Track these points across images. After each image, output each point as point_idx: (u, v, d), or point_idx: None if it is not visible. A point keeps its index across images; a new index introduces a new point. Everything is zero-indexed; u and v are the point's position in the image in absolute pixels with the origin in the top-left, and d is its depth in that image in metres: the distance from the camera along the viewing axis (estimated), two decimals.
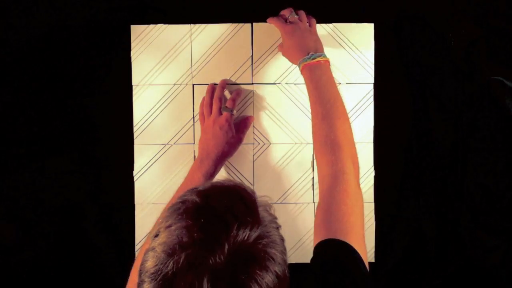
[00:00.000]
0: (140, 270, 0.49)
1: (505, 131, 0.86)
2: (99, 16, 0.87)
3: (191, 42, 0.88)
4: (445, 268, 0.88)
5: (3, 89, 0.87)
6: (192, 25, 0.88)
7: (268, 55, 0.88)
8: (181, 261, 0.46)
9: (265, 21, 0.87)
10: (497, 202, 0.87)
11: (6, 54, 0.87)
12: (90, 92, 0.88)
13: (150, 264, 0.48)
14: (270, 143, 0.89)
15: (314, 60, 0.75)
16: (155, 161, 0.88)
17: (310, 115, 0.88)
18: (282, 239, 0.51)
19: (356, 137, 0.88)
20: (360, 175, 0.88)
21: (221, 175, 0.88)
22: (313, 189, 0.89)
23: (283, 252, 0.50)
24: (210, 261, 0.46)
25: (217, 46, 0.88)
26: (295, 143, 0.89)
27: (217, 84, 0.86)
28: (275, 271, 0.48)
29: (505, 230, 0.87)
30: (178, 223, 0.49)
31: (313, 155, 0.88)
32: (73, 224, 0.88)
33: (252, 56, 0.88)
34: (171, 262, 0.46)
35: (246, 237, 0.47)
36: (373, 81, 0.88)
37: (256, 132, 0.89)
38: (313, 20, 0.84)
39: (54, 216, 0.88)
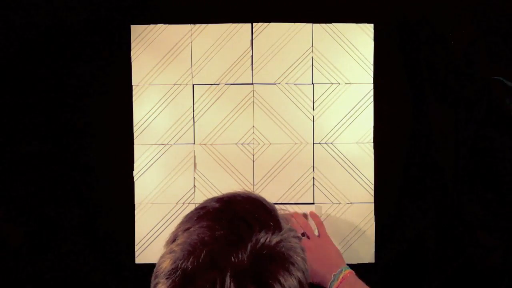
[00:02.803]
0: (155, 273, 0.48)
1: (505, 131, 0.86)
2: (99, 16, 0.87)
3: (191, 42, 0.88)
4: (445, 268, 0.88)
5: (2, 89, 0.87)
6: (192, 25, 0.88)
7: (268, 55, 0.88)
8: (202, 256, 0.45)
9: (265, 21, 0.87)
10: (497, 202, 0.87)
11: (6, 54, 0.87)
12: (90, 92, 0.88)
13: (166, 264, 0.46)
14: (270, 143, 0.89)
15: (340, 279, 0.74)
16: (155, 161, 0.88)
17: (310, 115, 0.89)
18: (303, 249, 0.51)
19: (356, 137, 0.89)
20: (360, 175, 0.88)
21: (223, 176, 0.88)
22: (313, 189, 0.89)
23: (304, 260, 0.50)
24: (233, 259, 0.45)
25: (217, 46, 0.88)
26: (295, 143, 0.89)
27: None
28: (298, 277, 0.47)
29: (505, 230, 0.87)
30: (198, 225, 0.48)
31: (313, 155, 0.88)
32: (73, 224, 0.88)
33: (252, 56, 0.88)
34: (192, 258, 0.45)
35: (268, 240, 0.47)
36: (372, 81, 0.88)
37: (256, 132, 0.89)
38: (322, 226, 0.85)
39: (54, 216, 0.88)
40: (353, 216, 0.89)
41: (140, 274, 0.88)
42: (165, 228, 0.88)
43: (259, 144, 0.89)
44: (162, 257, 0.48)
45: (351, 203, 0.89)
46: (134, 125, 0.88)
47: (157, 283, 0.46)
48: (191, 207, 0.88)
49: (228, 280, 0.43)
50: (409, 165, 0.88)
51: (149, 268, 0.88)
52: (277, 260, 0.47)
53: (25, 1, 0.86)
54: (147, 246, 0.88)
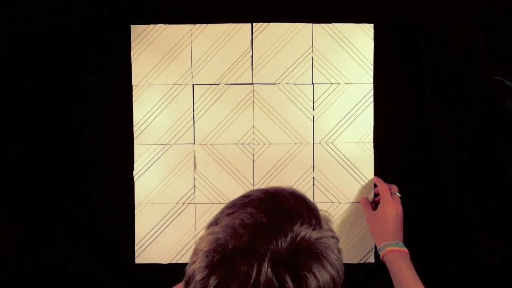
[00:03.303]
0: (194, 252, 0.48)
1: (505, 131, 0.86)
2: (99, 16, 0.87)
3: (191, 42, 0.88)
4: (445, 268, 0.88)
5: (2, 89, 0.87)
6: (192, 25, 0.88)
7: (268, 55, 0.88)
8: (244, 239, 0.46)
9: (265, 21, 0.87)
10: (498, 202, 0.87)
11: (6, 54, 0.87)
12: (90, 92, 0.88)
13: (206, 243, 0.47)
14: (270, 143, 0.89)
15: (401, 248, 0.78)
16: (155, 161, 0.88)
17: (310, 115, 0.89)
18: (339, 251, 0.52)
19: (356, 137, 0.89)
20: (360, 175, 0.88)
21: (223, 176, 0.88)
22: (313, 189, 0.89)
23: (340, 261, 0.51)
24: (272, 246, 0.46)
25: (217, 46, 0.88)
26: (295, 143, 0.89)
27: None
28: (332, 275, 0.48)
29: (505, 230, 0.87)
30: (242, 210, 0.49)
31: (313, 155, 0.88)
32: (73, 224, 0.88)
33: (252, 56, 0.88)
34: (233, 240, 0.46)
35: (308, 234, 0.48)
36: (372, 81, 0.88)
37: (256, 132, 0.89)
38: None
39: (54, 216, 0.88)
40: (353, 216, 0.89)
41: (140, 274, 0.88)
42: (165, 228, 0.88)
43: (259, 144, 0.89)
44: (202, 238, 0.49)
45: (351, 203, 0.89)
46: (134, 125, 0.88)
47: (195, 261, 0.47)
48: (191, 207, 0.88)
49: (266, 265, 0.44)
50: (409, 165, 0.88)
51: (149, 268, 0.88)
52: (314, 255, 0.47)
53: (25, 1, 0.86)
54: (147, 246, 0.88)
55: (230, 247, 0.46)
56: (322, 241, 0.49)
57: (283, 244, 0.46)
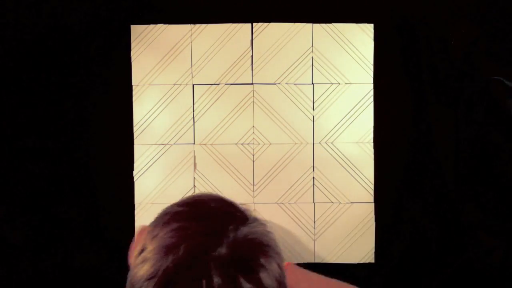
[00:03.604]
0: (130, 285, 0.45)
1: (505, 131, 0.86)
2: (99, 16, 0.87)
3: (191, 42, 0.88)
4: (445, 268, 0.88)
5: (2, 89, 0.87)
6: (192, 25, 0.88)
7: (268, 55, 0.88)
8: (181, 253, 0.44)
9: (265, 21, 0.87)
10: (498, 202, 0.87)
11: (6, 54, 0.87)
12: (90, 92, 0.88)
13: (144, 271, 0.44)
14: (270, 143, 0.89)
15: None
16: (155, 161, 0.88)
17: (310, 115, 0.89)
18: (272, 233, 0.51)
19: (356, 137, 0.89)
20: (360, 175, 0.88)
21: (223, 176, 0.88)
22: (313, 189, 0.89)
23: (277, 244, 0.50)
24: (212, 252, 0.44)
25: (217, 46, 0.88)
26: (295, 143, 0.89)
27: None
28: (275, 259, 0.48)
29: (505, 230, 0.87)
30: (167, 229, 0.47)
31: (313, 155, 0.88)
32: (73, 224, 0.88)
33: (252, 56, 0.88)
34: (170, 257, 0.44)
35: (240, 230, 0.47)
36: (372, 81, 0.88)
37: (256, 132, 0.89)
38: None
39: (54, 216, 0.88)
40: (353, 216, 0.89)
41: None
42: None
43: (259, 144, 0.89)
44: (134, 269, 0.46)
45: (351, 203, 0.89)
46: (134, 125, 0.88)
47: None
48: None
49: (214, 274, 0.43)
50: (409, 165, 0.88)
51: None
52: (254, 246, 0.47)
53: (26, 2, 0.86)
54: None
55: (171, 265, 0.43)
56: (255, 230, 0.48)
57: (222, 248, 0.45)
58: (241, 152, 0.88)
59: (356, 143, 0.89)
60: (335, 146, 0.89)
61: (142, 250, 0.47)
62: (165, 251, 0.44)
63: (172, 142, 0.89)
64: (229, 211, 0.50)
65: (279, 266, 0.48)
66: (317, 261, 0.89)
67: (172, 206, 0.52)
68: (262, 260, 0.46)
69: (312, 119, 0.89)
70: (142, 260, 0.45)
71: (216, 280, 0.43)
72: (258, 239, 0.48)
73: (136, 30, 0.88)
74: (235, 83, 0.88)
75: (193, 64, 0.88)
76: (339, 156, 0.89)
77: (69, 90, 0.88)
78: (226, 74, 0.88)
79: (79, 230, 0.88)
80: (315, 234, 0.88)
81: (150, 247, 0.46)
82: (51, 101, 0.87)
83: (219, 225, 0.47)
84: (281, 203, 0.88)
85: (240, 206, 0.53)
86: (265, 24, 0.88)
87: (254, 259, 0.46)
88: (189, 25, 0.88)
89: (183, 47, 0.88)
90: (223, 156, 0.88)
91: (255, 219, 0.51)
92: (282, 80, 0.88)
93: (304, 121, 0.89)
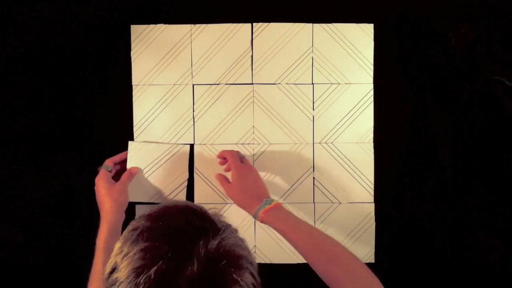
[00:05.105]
0: None
1: (505, 131, 0.87)
2: (99, 16, 0.87)
3: (191, 42, 0.88)
4: (445, 268, 0.88)
5: (3, 89, 0.87)
6: (192, 25, 0.88)
7: (268, 55, 0.88)
8: (152, 275, 0.43)
9: (265, 21, 0.87)
10: (498, 202, 0.87)
11: (6, 54, 0.87)
12: (90, 92, 0.88)
13: None
14: (270, 143, 0.89)
15: (272, 204, 0.75)
16: (154, 161, 0.88)
17: (310, 115, 0.89)
18: (243, 240, 0.51)
19: (356, 137, 0.89)
20: (360, 175, 0.88)
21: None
22: (313, 189, 0.89)
23: (249, 252, 0.50)
24: (184, 272, 0.44)
25: (217, 46, 0.88)
26: (295, 143, 0.89)
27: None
28: (249, 269, 0.48)
29: (505, 230, 0.87)
30: (136, 248, 0.46)
31: (313, 155, 0.88)
32: (73, 224, 0.88)
33: (252, 56, 0.88)
34: (142, 280, 0.43)
35: (210, 243, 0.47)
36: (372, 81, 0.88)
37: (256, 132, 0.89)
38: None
39: (54, 216, 0.88)
40: (353, 216, 0.89)
41: None
42: None
43: (259, 144, 0.89)
44: None
45: (351, 203, 0.89)
46: (134, 125, 0.88)
47: None
48: None
49: None
50: (409, 165, 0.88)
51: None
52: (226, 259, 0.46)
53: (26, 2, 0.86)
54: None
55: (143, 284, 0.43)
56: (225, 242, 0.48)
57: (193, 266, 0.44)
58: (241, 152, 0.88)
59: (356, 143, 0.89)
60: (335, 146, 0.89)
61: (113, 269, 0.47)
62: (135, 274, 0.44)
63: (172, 142, 0.89)
64: (198, 225, 0.49)
65: (253, 276, 0.48)
66: None
67: (140, 219, 0.51)
68: (235, 275, 0.46)
69: (312, 119, 0.89)
70: (113, 282, 0.46)
71: None
72: (230, 252, 0.47)
73: (136, 30, 0.88)
74: (235, 83, 0.88)
75: (193, 64, 0.88)
76: (339, 156, 0.89)
77: (69, 90, 0.88)
78: (226, 74, 0.88)
79: (79, 230, 0.88)
80: None
81: (121, 266, 0.46)
82: (51, 101, 0.87)
83: (188, 243, 0.46)
84: (281, 203, 0.88)
85: (210, 213, 0.52)
86: (265, 24, 0.88)
87: (227, 274, 0.45)
88: (189, 25, 0.88)
89: (183, 47, 0.88)
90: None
91: (226, 228, 0.50)
92: (282, 80, 0.88)
93: (304, 121, 0.89)
